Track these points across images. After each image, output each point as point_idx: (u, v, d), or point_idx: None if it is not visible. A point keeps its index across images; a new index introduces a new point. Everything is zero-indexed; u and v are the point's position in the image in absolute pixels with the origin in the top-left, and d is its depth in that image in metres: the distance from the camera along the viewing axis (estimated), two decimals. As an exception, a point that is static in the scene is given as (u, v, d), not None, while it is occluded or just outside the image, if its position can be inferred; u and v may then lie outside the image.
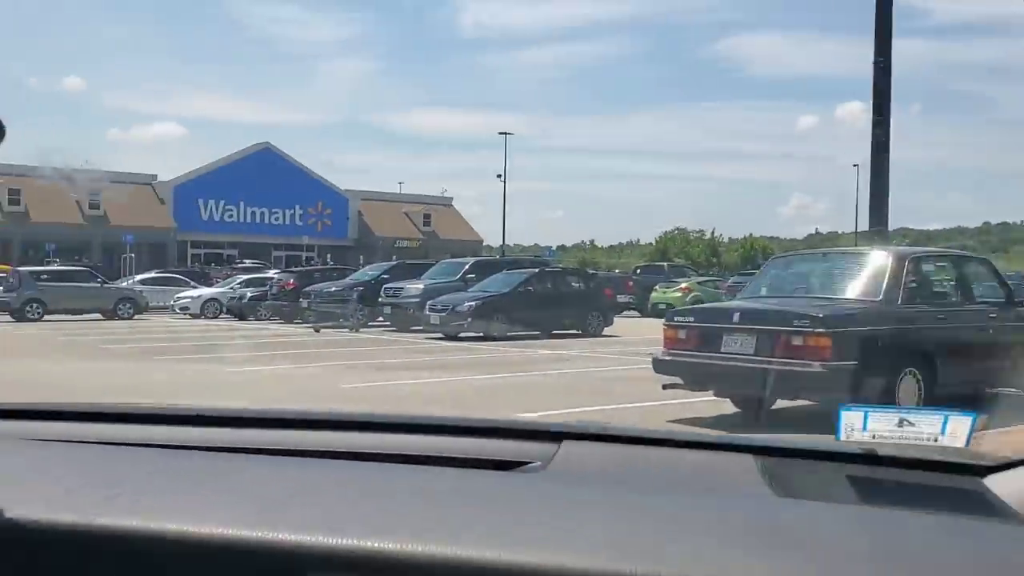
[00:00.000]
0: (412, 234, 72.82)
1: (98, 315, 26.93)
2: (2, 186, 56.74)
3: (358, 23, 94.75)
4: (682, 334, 8.37)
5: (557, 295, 19.94)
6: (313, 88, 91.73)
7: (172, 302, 29.09)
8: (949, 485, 1.31)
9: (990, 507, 1.23)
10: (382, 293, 21.57)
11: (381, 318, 22.22)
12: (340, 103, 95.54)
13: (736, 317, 8.12)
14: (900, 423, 1.38)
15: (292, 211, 68.95)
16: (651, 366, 8.82)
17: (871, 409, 1.39)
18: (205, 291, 29.58)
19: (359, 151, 66.91)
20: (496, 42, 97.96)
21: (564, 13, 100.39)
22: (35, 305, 25.64)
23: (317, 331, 20.86)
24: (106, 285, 27.90)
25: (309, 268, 29.76)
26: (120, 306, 27.08)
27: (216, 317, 28.19)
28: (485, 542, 0.96)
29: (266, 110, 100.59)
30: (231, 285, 29.50)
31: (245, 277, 30.64)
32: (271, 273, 31.43)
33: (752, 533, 1.01)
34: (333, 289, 22.35)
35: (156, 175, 65.70)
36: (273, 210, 68.10)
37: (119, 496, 1.07)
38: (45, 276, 27.38)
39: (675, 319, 8.72)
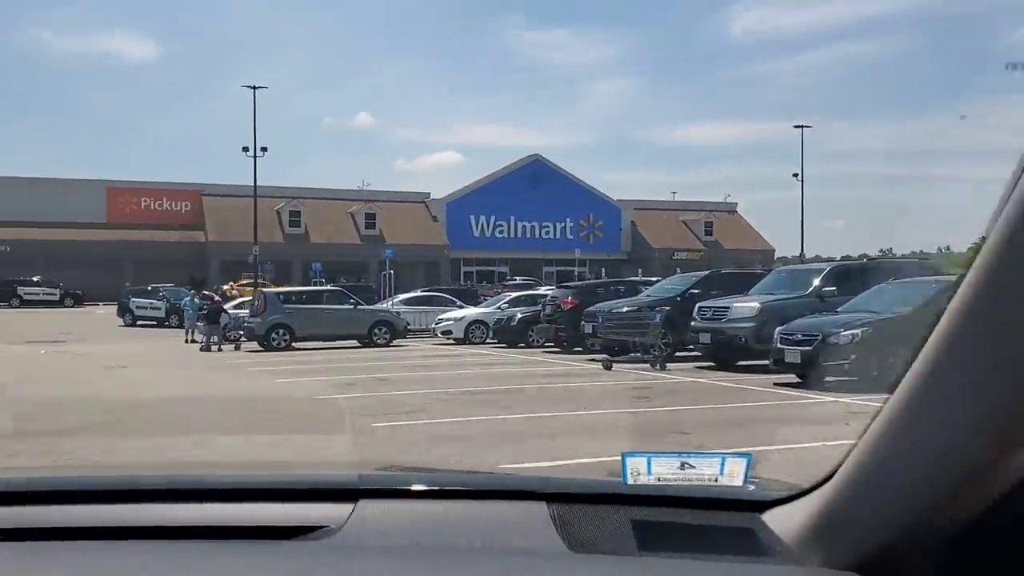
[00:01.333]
0: (692, 245, 66.15)
1: (353, 341, 23.39)
2: (283, 209, 57.37)
3: (623, 43, 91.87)
4: None
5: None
6: (580, 110, 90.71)
7: (433, 325, 24.98)
8: (730, 524, 1.42)
9: (764, 545, 1.35)
10: (695, 314, 15.50)
11: (692, 348, 16.24)
12: (607, 123, 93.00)
13: None
14: (682, 466, 1.46)
15: (563, 224, 64.97)
16: None
17: (653, 455, 1.47)
18: (469, 312, 25.26)
19: (627, 169, 64.18)
20: (767, 48, 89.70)
21: (838, 13, 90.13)
22: (281, 331, 22.45)
23: (608, 367, 15.25)
24: (360, 307, 24.22)
25: (591, 283, 24.38)
26: (376, 331, 23.34)
27: (483, 342, 23.71)
28: None
29: (535, 134, 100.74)
30: (498, 305, 24.84)
31: (513, 295, 25.97)
32: (543, 290, 26.59)
33: None
34: (626, 309, 16.52)
35: (430, 193, 64.33)
36: (544, 224, 64.48)
37: None
38: (293, 298, 24.25)
39: None
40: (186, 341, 27.16)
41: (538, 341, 21.36)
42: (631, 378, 14.12)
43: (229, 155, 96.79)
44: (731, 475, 1.44)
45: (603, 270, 56.03)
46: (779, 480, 1.57)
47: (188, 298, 27.87)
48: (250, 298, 33.61)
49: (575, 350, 19.60)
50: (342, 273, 51.63)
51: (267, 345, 22.55)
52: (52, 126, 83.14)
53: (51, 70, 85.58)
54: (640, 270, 57.08)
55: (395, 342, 23.75)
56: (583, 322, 18.10)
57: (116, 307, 37.18)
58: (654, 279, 23.39)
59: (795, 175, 57.26)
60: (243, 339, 23.93)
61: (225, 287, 42.70)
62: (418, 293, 31.58)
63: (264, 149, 47.29)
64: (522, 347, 21.60)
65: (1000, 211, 0.97)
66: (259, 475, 1.86)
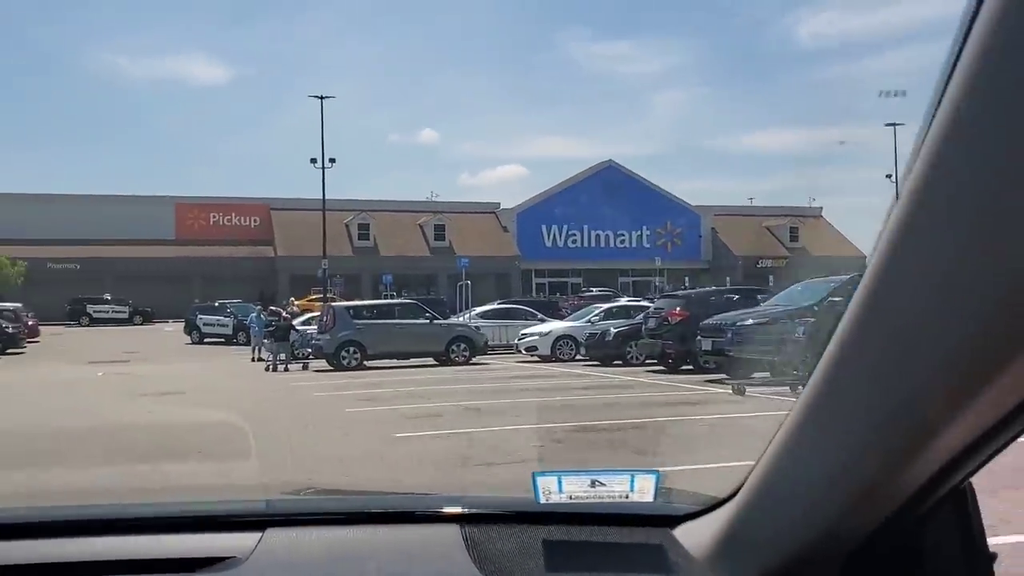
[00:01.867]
0: (776, 252, 62.75)
1: (428, 359, 21.31)
2: (352, 222, 56.00)
3: (688, 52, 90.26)
4: None
5: None
6: (646, 120, 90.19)
7: (516, 340, 22.70)
8: (641, 541, 1.46)
9: (674, 561, 1.39)
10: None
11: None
12: (671, 132, 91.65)
13: None
14: (592, 484, 1.45)
15: (639, 232, 62.30)
16: None
17: (564, 473, 1.46)
18: (556, 326, 22.90)
19: (694, 178, 61.86)
20: (835, 52, 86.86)
21: (907, 14, 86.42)
22: (351, 349, 20.46)
23: (740, 392, 12.80)
24: (437, 322, 22.16)
25: (703, 292, 21.68)
26: (454, 347, 21.22)
27: (572, 359, 21.35)
28: None
29: (600, 144, 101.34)
30: (588, 318, 22.44)
31: (605, 306, 23.54)
32: (642, 301, 24.18)
33: None
34: (757, 322, 13.90)
35: (499, 203, 62.40)
36: (619, 232, 61.92)
37: None
38: (364, 313, 22.17)
39: None
40: (253, 359, 25.49)
41: (637, 358, 18.93)
42: (773, 406, 11.64)
43: (297, 169, 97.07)
44: (641, 491, 1.45)
45: (687, 279, 53.17)
46: (692, 493, 1.60)
47: (255, 314, 26.22)
48: (316, 313, 32.00)
49: (682, 369, 17.16)
50: (411, 286, 49.97)
51: (336, 364, 20.64)
52: (122, 148, 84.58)
53: (125, 94, 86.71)
54: (728, 278, 54.44)
55: (474, 359, 21.63)
56: (699, 337, 15.62)
57: (183, 324, 35.86)
58: (754, 288, 21.06)
59: (888, 176, 53.67)
60: (311, 357, 22.11)
61: (296, 303, 41.27)
62: (495, 306, 29.41)
63: (332, 160, 45.93)
64: (619, 365, 19.17)
65: (893, 205, 0.88)
66: (167, 505, 1.82)
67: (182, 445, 8.52)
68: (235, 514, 1.58)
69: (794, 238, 63.85)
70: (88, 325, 46.88)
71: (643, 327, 18.50)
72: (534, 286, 59.01)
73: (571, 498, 1.43)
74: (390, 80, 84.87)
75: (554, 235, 60.79)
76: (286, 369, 21.18)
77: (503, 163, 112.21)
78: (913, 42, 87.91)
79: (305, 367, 21.50)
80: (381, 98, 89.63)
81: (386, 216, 57.73)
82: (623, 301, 24.81)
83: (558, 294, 55.62)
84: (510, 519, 1.50)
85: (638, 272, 61.41)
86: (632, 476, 1.47)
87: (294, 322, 26.26)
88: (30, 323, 36.16)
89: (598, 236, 61.77)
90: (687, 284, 49.49)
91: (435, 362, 21.41)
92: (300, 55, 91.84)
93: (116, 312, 48.42)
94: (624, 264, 61.32)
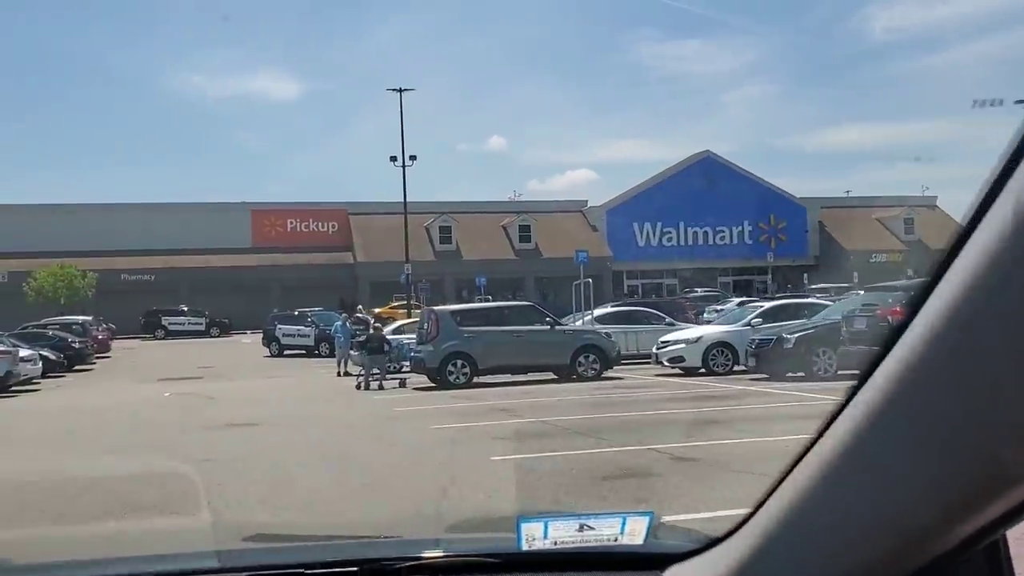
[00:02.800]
0: (891, 245, 57.65)
1: (546, 372, 17.65)
2: (433, 224, 52.95)
3: (757, 48, 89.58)
4: None
5: None
6: (715, 119, 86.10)
7: (655, 349, 18.96)
8: None
9: None
10: None
11: None
12: (744, 131, 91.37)
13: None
14: (581, 528, 1.41)
15: (740, 228, 57.86)
16: None
17: (551, 518, 1.44)
18: (707, 331, 18.80)
19: (768, 176, 59.24)
20: (909, 46, 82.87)
21: (984, 4, 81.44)
22: (459, 363, 16.93)
23: None
24: (560, 327, 18.62)
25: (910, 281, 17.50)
26: (581, 359, 17.56)
27: (729, 371, 17.45)
28: None
29: (671, 145, 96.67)
30: (745, 321, 18.25)
31: (767, 305, 19.32)
32: (811, 298, 20.12)
33: None
34: None
35: (587, 201, 58.66)
36: (718, 229, 57.51)
37: None
38: (472, 319, 18.40)
39: None
40: (339, 374, 22.31)
41: (826, 370, 14.89)
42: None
43: (374, 173, 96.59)
44: (632, 533, 1.39)
45: (806, 276, 48.45)
46: (687, 531, 1.55)
47: (339, 323, 23.06)
48: (406, 321, 28.73)
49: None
50: (496, 291, 46.60)
51: (441, 380, 17.20)
52: (200, 163, 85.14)
53: (204, 112, 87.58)
54: (856, 274, 49.72)
55: (605, 373, 17.86)
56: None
57: (262, 335, 33.04)
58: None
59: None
60: (407, 371, 18.71)
61: (376, 312, 38.25)
62: (612, 308, 25.63)
63: (413, 157, 42.86)
64: (799, 379, 15.07)
65: (987, 199, 0.81)
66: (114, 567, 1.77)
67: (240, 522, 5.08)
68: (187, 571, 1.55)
69: (909, 230, 58.56)
70: (164, 338, 44.82)
71: (843, 329, 14.47)
72: (626, 288, 55.02)
73: (556, 544, 1.38)
74: (456, 89, 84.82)
75: (647, 233, 56.76)
76: (380, 387, 17.83)
77: (572, 168, 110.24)
78: (995, 31, 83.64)
79: (402, 384, 18.09)
80: (449, 107, 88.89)
81: (467, 218, 54.55)
82: (784, 299, 20.45)
83: (653, 296, 51.68)
84: (491, 568, 1.44)
85: (739, 271, 56.95)
86: (624, 518, 1.42)
87: (385, 331, 23.04)
88: (101, 336, 33.86)
89: (695, 233, 57.52)
90: (807, 281, 45.01)
91: (554, 376, 17.72)
92: (370, 66, 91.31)
93: (192, 324, 46.24)
94: (723, 263, 56.96)
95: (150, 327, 45.46)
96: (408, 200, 44.25)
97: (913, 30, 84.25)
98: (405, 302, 48.18)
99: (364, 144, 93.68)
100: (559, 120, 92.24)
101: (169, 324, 45.84)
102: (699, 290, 47.42)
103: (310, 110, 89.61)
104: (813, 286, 42.59)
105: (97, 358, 30.93)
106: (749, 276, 56.72)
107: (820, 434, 1.01)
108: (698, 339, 18.17)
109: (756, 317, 17.97)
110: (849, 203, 60.57)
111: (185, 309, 46.83)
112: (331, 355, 29.78)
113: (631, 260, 55.25)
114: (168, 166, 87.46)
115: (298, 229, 54.25)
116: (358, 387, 17.87)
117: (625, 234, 55.85)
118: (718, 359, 17.59)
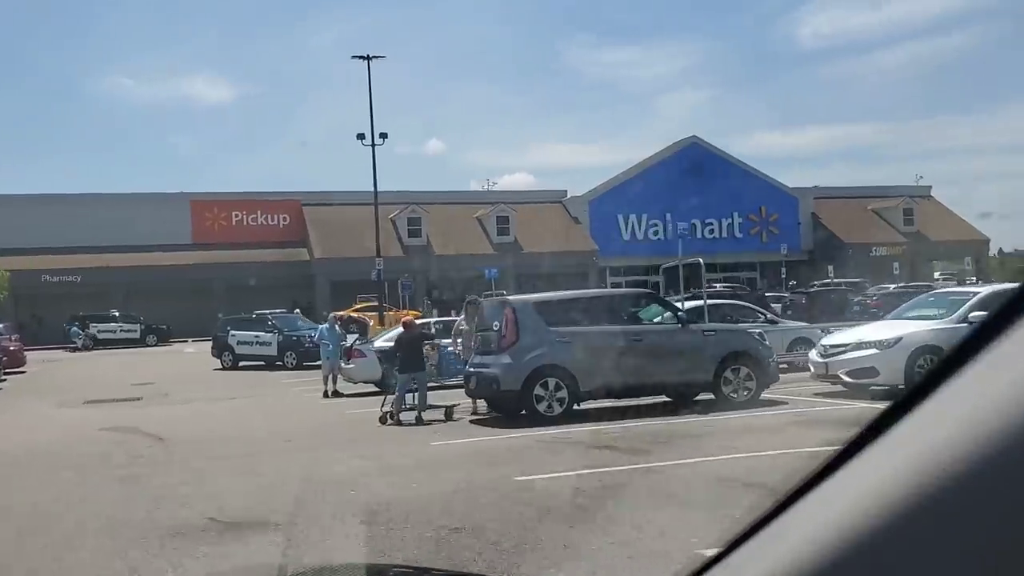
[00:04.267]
0: (891, 238, 53.91)
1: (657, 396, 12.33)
2: (400, 216, 47.47)
3: (692, 54, 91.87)
4: None
5: None
6: (652, 124, 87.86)
7: (818, 358, 12.98)
8: None
9: None
10: None
11: None
12: (678, 135, 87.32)
13: None
14: None
15: (730, 220, 53.55)
16: None
17: None
18: (905, 330, 12.39)
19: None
20: (840, 50, 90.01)
21: (913, 9, 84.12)
22: (554, 382, 10.99)
23: None
24: (695, 326, 12.71)
25: None
26: (728, 373, 11.85)
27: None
28: None
29: (609, 150, 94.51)
30: (959, 315, 12.02)
31: (984, 292, 13.22)
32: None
33: None
34: None
35: (566, 191, 53.79)
36: (707, 221, 53.07)
37: None
38: (563, 313, 12.12)
39: None
40: (326, 393, 16.88)
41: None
42: None
43: (328, 163, 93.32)
44: None
45: (832, 273, 43.92)
46: None
47: (326, 326, 17.60)
48: (383, 329, 23.40)
49: None
50: (473, 290, 41.36)
51: (530, 411, 11.30)
52: (137, 168, 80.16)
53: (133, 115, 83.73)
54: (831, 268, 45.95)
55: (762, 394, 12.19)
56: None
57: (211, 344, 27.28)
58: None
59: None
60: (429, 395, 13.08)
61: (340, 315, 32.78)
62: (688, 304, 20.35)
63: (384, 135, 37.35)
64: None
65: None
66: None
67: None
68: None
69: (909, 222, 54.99)
70: (92, 348, 38.59)
71: None
72: (608, 286, 50.25)
73: None
74: (395, 91, 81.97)
75: (632, 226, 52.08)
76: (419, 420, 12.18)
77: (510, 172, 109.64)
78: (925, 36, 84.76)
79: (448, 417, 12.30)
80: (387, 108, 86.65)
81: (437, 209, 49.20)
82: (991, 287, 14.71)
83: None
84: None
85: (727, 267, 52.48)
86: None
87: (378, 341, 17.75)
88: (12, 347, 27.75)
89: (683, 226, 53.00)
90: (832, 277, 40.72)
91: (668, 399, 12.21)
92: (306, 70, 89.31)
93: (125, 331, 40.10)
94: (713, 257, 52.45)
95: (76, 336, 39.22)
96: (369, 189, 38.80)
97: (841, 36, 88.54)
98: (374, 303, 42.70)
99: (317, 132, 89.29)
100: (497, 124, 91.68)
101: (98, 332, 39.60)
102: (719, 285, 42.90)
103: (246, 109, 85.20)
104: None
105: (7, 374, 24.96)
106: (736, 273, 52.28)
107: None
108: (897, 342, 12.12)
109: (973, 309, 12.15)
110: (842, 193, 56.78)
111: (116, 314, 40.62)
112: (298, 367, 24.37)
113: (616, 255, 50.47)
114: (97, 159, 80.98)
115: (245, 223, 48.24)
116: (382, 420, 12.19)
117: (607, 227, 51.09)
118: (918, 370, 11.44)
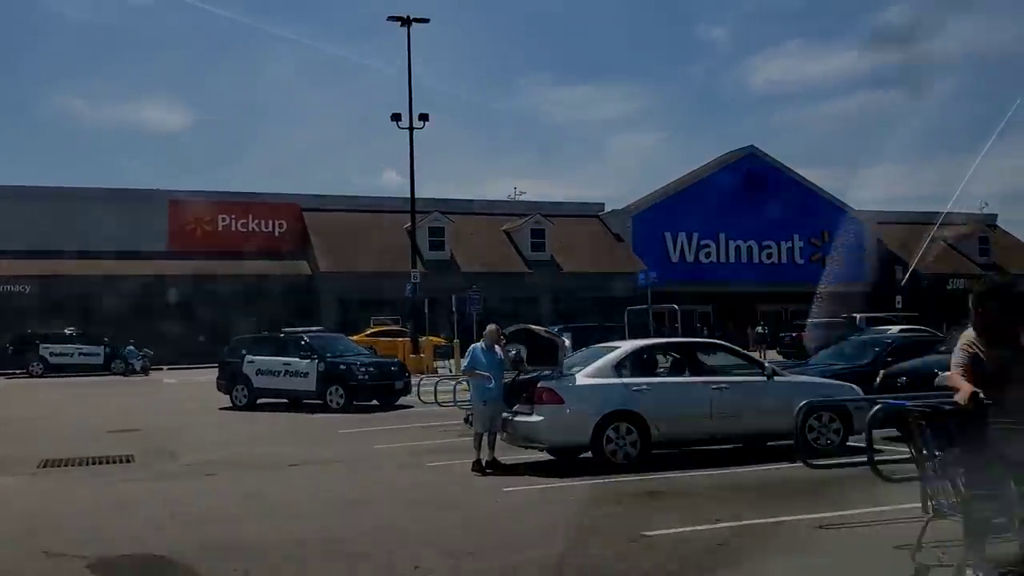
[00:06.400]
0: (966, 268, 47.76)
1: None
2: (421, 226, 40.15)
3: (643, 97, 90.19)
4: None
5: None
6: (603, 165, 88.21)
7: None
8: None
9: None
10: None
11: None
12: (630, 175, 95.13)
13: None
14: None
15: (789, 244, 47.17)
16: None
17: None
18: None
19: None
20: (790, 98, 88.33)
21: (857, 64, 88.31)
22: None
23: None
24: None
25: None
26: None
27: None
28: None
29: (562, 186, 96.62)
30: None
31: None
32: None
33: None
34: None
35: (603, 204, 47.04)
36: (764, 243, 46.60)
37: None
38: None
39: None
40: (478, 466, 9.40)
41: None
42: None
43: (326, 175, 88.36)
44: None
45: (900, 304, 37.82)
46: None
47: (480, 346, 9.96)
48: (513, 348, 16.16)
49: None
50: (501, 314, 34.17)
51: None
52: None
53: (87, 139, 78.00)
54: (899, 299, 39.98)
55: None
56: None
57: (218, 373, 19.51)
58: None
59: None
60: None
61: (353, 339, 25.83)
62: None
63: (424, 117, 30.21)
64: None
65: None
66: None
67: None
68: None
69: (984, 252, 49.08)
70: (42, 375, 30.65)
71: None
72: (650, 315, 43.21)
73: None
74: (350, 125, 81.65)
75: (681, 246, 45.35)
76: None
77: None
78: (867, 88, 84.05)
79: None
80: (344, 140, 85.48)
81: (459, 219, 42.08)
82: None
83: (700, 326, 40.40)
84: None
85: (781, 297, 45.65)
86: None
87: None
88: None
89: (738, 248, 46.49)
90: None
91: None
92: (262, 97, 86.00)
93: (85, 355, 32.15)
94: (766, 286, 45.80)
95: (22, 360, 31.26)
96: (376, 195, 32.02)
97: (791, 84, 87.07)
98: (397, 326, 35.23)
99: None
100: (453, 158, 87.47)
101: (50, 355, 31.61)
102: (761, 326, 36.34)
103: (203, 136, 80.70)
104: None
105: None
106: (785, 305, 45.46)
107: None
108: None
109: None
110: (907, 218, 50.67)
111: (74, 333, 32.61)
112: (346, 407, 16.98)
113: (665, 280, 43.44)
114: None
115: (234, 228, 40.45)
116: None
117: (654, 246, 44.25)
118: None
